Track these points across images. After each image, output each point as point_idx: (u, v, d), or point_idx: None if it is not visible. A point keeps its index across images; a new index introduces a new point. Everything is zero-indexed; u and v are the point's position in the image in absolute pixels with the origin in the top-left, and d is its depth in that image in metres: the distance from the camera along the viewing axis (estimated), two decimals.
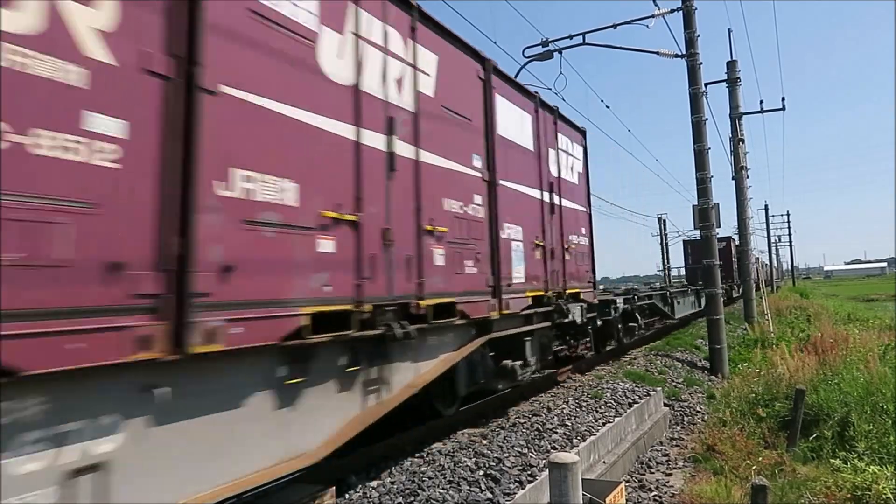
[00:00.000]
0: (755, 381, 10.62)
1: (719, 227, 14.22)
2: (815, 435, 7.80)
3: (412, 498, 5.10)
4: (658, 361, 12.96)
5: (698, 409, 10.15)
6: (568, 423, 7.48)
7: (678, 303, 21.01)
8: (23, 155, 2.85)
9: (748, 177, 22.57)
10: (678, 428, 9.26)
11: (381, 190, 5.35)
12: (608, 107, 18.74)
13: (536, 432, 7.03)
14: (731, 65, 21.22)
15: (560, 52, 15.46)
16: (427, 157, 6.10)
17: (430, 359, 6.10)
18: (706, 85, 14.83)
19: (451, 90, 6.73)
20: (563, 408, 8.19)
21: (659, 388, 10.04)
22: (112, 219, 3.19)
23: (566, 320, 9.31)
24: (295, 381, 4.41)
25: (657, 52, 14.14)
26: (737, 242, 34.09)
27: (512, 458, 6.14)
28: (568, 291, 9.55)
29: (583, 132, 11.34)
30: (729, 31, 21.74)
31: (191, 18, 3.71)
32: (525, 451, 6.40)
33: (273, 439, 4.24)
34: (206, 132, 3.71)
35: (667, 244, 47.93)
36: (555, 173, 9.63)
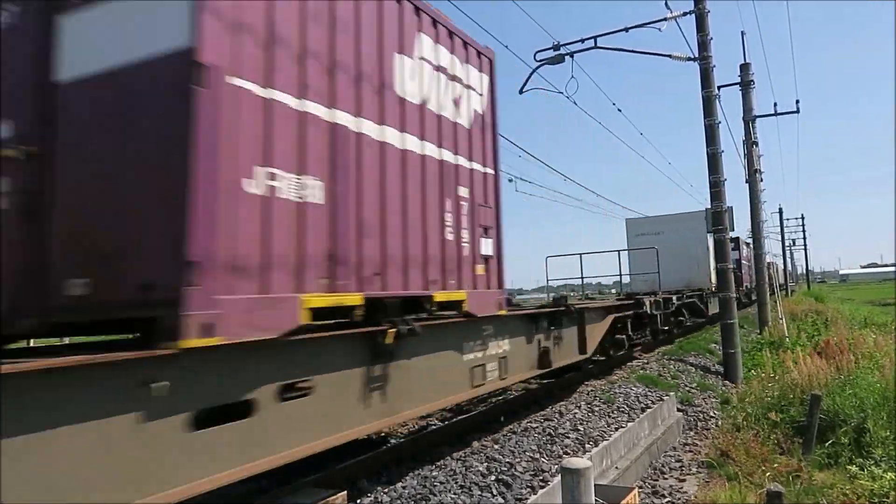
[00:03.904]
0: (770, 386, 10.52)
1: (733, 230, 14.13)
2: (830, 441, 7.71)
3: (423, 502, 5.09)
4: (671, 366, 12.87)
5: (712, 414, 10.07)
6: (580, 428, 7.44)
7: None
8: None
9: (762, 180, 22.42)
10: (692, 433, 9.19)
11: None
12: (620, 110, 18.69)
13: (548, 437, 7.00)
14: (745, 67, 21.08)
15: (571, 56, 15.42)
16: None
17: None
18: (719, 88, 14.74)
19: None
20: (576, 413, 8.15)
21: (672, 393, 9.96)
22: None
23: None
24: None
25: (670, 56, 14.08)
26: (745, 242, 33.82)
27: (524, 463, 6.12)
28: None
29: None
30: (742, 33, 21.63)
31: None
32: (537, 456, 6.37)
33: None
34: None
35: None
36: None
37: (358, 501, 5.14)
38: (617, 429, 7.53)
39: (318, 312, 4.50)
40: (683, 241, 20.81)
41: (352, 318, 4.89)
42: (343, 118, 5.06)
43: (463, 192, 6.67)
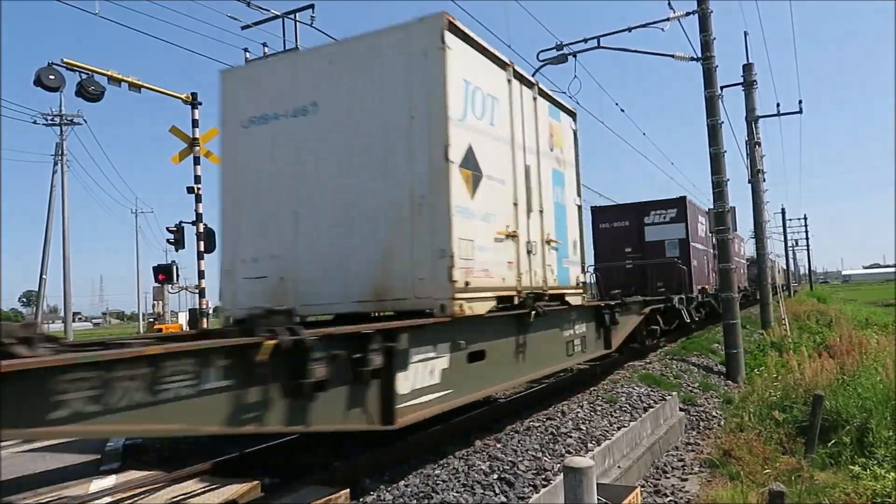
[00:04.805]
0: (773, 386, 10.52)
1: (735, 230, 14.13)
2: (833, 441, 7.71)
3: (426, 501, 5.10)
4: (674, 365, 12.87)
5: (714, 413, 10.07)
6: (583, 427, 7.45)
7: None
8: None
9: (765, 180, 22.43)
10: (694, 433, 9.19)
11: None
12: (623, 110, 18.71)
13: (551, 436, 7.01)
14: (748, 68, 21.08)
15: (574, 56, 15.44)
16: None
17: None
18: (722, 88, 14.72)
19: None
20: (578, 412, 8.16)
21: (674, 393, 9.96)
22: None
23: None
24: None
25: (672, 56, 14.09)
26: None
27: (526, 461, 6.13)
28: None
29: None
30: (745, 33, 21.59)
31: None
32: (539, 455, 6.38)
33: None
34: None
35: None
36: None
37: (361, 499, 5.15)
38: (619, 428, 7.53)
39: None
40: (380, 130, 6.44)
41: None
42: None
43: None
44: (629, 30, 15.06)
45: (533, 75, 15.92)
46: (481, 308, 6.41)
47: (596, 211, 18.81)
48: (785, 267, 64.55)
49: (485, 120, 6.84)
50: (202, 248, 16.98)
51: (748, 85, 21.10)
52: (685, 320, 16.15)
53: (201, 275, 17.33)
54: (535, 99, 8.41)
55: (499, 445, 6.63)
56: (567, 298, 8.80)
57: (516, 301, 7.28)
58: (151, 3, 16.63)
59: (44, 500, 4.97)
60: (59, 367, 2.94)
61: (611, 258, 17.93)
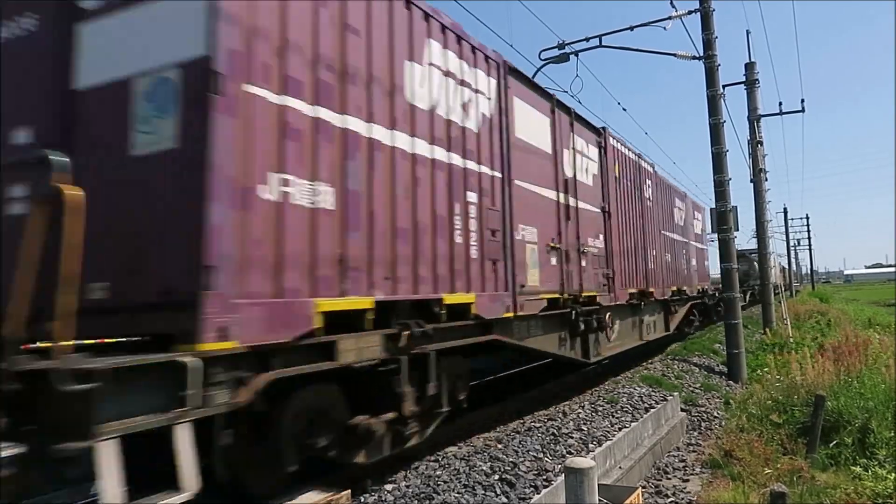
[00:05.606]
0: (774, 386, 10.50)
1: (737, 230, 14.12)
2: (834, 441, 7.70)
3: (427, 501, 5.10)
4: (675, 366, 12.86)
5: (716, 414, 10.05)
6: (584, 427, 7.44)
7: None
8: None
9: (767, 179, 22.39)
10: (695, 433, 9.18)
11: None
12: (625, 109, 18.69)
13: (552, 437, 7.00)
14: (750, 66, 21.01)
15: (576, 55, 15.42)
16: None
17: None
18: (724, 87, 14.67)
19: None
20: (579, 412, 8.15)
21: (676, 393, 9.95)
22: None
23: None
24: None
25: (674, 55, 14.06)
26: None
27: (527, 462, 6.13)
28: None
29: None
30: (747, 32, 21.54)
31: None
32: (541, 455, 6.38)
33: None
34: None
35: None
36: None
37: (362, 500, 5.15)
38: (620, 429, 7.52)
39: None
40: None
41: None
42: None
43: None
44: (631, 28, 15.04)
45: (534, 75, 15.97)
46: None
47: None
48: (785, 265, 64.42)
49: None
50: None
51: (750, 84, 21.03)
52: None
53: None
54: None
55: (500, 446, 6.63)
56: None
57: None
58: None
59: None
60: None
61: None
